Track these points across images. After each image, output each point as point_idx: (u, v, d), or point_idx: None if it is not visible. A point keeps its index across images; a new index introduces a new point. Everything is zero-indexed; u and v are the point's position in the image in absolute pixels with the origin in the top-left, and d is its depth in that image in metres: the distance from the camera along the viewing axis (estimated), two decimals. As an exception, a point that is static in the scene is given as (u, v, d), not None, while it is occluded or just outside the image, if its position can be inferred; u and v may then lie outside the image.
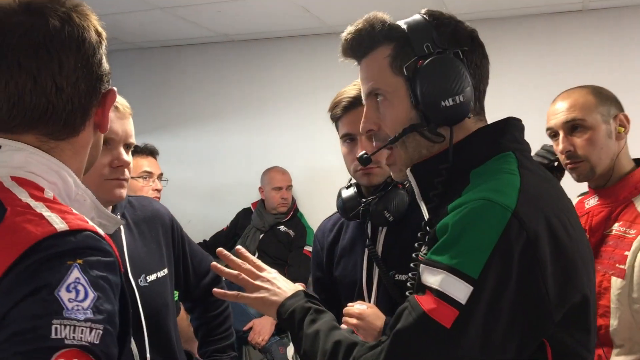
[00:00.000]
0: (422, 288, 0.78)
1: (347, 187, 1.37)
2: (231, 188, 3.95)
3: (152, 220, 1.40)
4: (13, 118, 0.72)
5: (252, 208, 3.66)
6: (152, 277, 1.33)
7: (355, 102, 1.29)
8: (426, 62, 0.84)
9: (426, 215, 0.92)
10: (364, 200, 1.31)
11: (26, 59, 0.71)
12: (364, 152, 0.97)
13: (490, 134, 0.89)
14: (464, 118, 0.86)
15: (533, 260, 0.75)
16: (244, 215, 3.63)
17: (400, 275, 1.27)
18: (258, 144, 3.91)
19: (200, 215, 3.94)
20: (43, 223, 0.63)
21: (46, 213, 0.65)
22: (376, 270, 1.31)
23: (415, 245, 0.91)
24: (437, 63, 0.84)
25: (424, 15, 0.89)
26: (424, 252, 0.84)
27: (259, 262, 1.09)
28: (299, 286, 1.09)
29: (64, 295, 0.59)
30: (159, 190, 2.43)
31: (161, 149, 2.53)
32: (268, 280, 1.05)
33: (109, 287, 0.63)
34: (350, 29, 0.91)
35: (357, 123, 1.17)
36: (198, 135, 4.06)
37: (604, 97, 1.55)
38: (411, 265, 0.90)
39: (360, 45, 0.91)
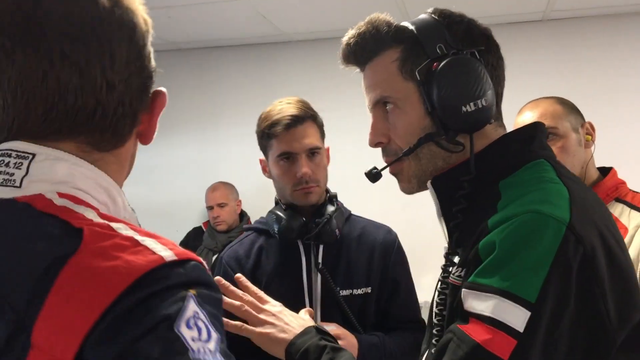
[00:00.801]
0: (465, 316, 0.73)
1: (284, 209, 1.38)
2: (180, 205, 3.83)
3: None
4: (50, 122, 0.58)
5: (203, 227, 3.56)
6: None
7: (297, 120, 1.33)
8: (442, 64, 0.80)
9: (445, 235, 0.87)
10: (304, 219, 1.35)
11: (71, 47, 0.57)
12: (373, 167, 0.91)
13: (520, 141, 0.84)
14: (486, 124, 0.81)
15: (591, 277, 0.70)
16: (195, 235, 3.53)
17: (344, 291, 1.34)
18: (209, 157, 3.84)
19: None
20: (142, 250, 0.52)
21: (139, 237, 0.54)
22: (316, 289, 1.34)
23: (441, 267, 0.86)
24: (454, 64, 0.80)
25: (433, 15, 0.86)
26: (457, 274, 0.78)
27: (262, 294, 1.06)
28: (308, 321, 1.05)
29: (185, 332, 0.49)
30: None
31: None
32: (273, 315, 1.01)
33: (222, 328, 0.54)
34: (351, 32, 0.87)
35: (296, 141, 1.30)
36: (144, 149, 3.55)
37: (570, 106, 1.61)
38: (438, 289, 0.85)
39: (364, 49, 0.87)
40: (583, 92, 2.63)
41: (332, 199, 1.41)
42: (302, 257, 1.36)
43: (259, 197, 3.36)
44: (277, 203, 1.44)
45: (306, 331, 0.97)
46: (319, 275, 1.35)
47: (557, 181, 0.77)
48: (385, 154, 0.89)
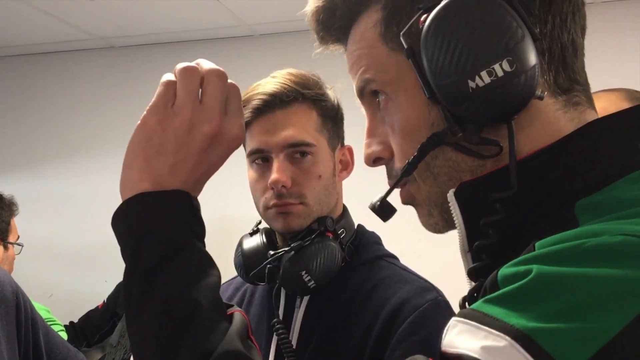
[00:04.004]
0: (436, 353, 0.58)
1: (252, 234, 1.23)
2: (110, 248, 3.36)
3: None
4: None
5: None
6: None
7: (272, 102, 1.14)
8: (432, 14, 0.61)
9: (469, 282, 0.67)
10: (271, 253, 1.15)
11: None
12: (380, 197, 0.73)
13: (617, 132, 0.63)
14: (527, 100, 0.60)
15: None
16: None
17: None
18: None
19: (66, 287, 3.55)
20: None
21: None
22: (268, 352, 1.18)
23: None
24: (450, 11, 0.61)
25: None
26: None
27: None
28: None
29: None
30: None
31: (15, 194, 2.40)
32: None
33: None
34: None
35: (268, 134, 1.13)
36: (66, 175, 3.72)
37: None
38: None
39: (335, 15, 0.72)
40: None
41: (324, 225, 1.17)
42: (280, 308, 1.19)
43: (213, 236, 3.17)
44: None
45: None
46: (274, 336, 1.17)
47: None
48: (388, 174, 0.73)
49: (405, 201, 0.73)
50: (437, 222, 0.71)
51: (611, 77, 2.86)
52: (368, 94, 0.72)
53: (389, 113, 0.70)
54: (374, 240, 1.24)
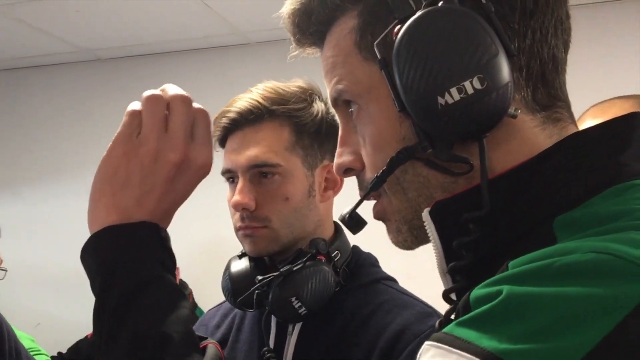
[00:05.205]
0: None
1: (240, 256, 1.21)
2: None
3: None
4: None
5: None
6: None
7: (239, 120, 1.15)
8: (405, 26, 0.62)
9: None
10: (259, 278, 1.13)
11: None
12: (350, 209, 0.78)
13: (597, 145, 0.65)
14: (499, 117, 0.62)
15: None
16: None
17: None
18: None
19: (54, 315, 3.56)
20: None
21: None
22: None
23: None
24: (422, 24, 0.62)
25: None
26: None
27: None
28: None
29: None
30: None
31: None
32: None
33: None
34: None
35: (238, 152, 1.15)
36: (54, 196, 3.70)
37: None
38: None
39: (309, 19, 0.74)
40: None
41: (315, 247, 1.17)
42: (271, 336, 1.18)
43: (203, 261, 3.24)
44: None
45: None
46: None
47: None
48: (359, 186, 0.76)
49: (377, 216, 0.75)
50: (406, 238, 0.72)
51: (602, 81, 2.82)
52: (341, 103, 0.73)
53: (361, 123, 0.72)
54: (371, 262, 1.23)
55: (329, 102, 0.76)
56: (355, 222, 0.77)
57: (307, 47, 0.78)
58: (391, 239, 0.76)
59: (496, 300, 0.52)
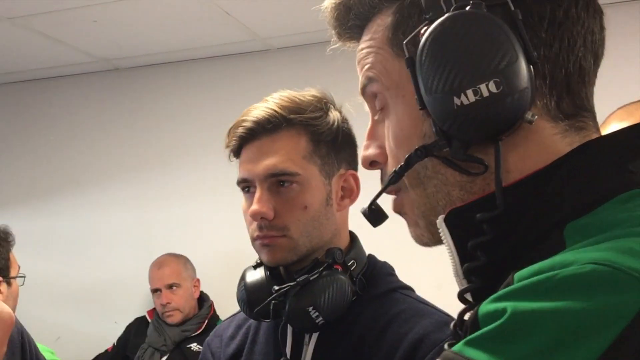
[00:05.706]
0: None
1: (255, 266, 1.23)
2: (118, 288, 3.51)
3: None
4: None
5: (148, 317, 3.23)
6: None
7: (256, 129, 1.17)
8: (430, 27, 0.66)
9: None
10: (276, 288, 1.15)
11: None
12: (370, 201, 0.79)
13: (609, 154, 0.68)
14: (514, 123, 0.65)
15: None
16: (138, 329, 3.23)
17: None
18: (154, 221, 3.54)
19: (74, 329, 3.56)
20: None
21: None
22: None
23: None
24: (446, 27, 0.66)
25: None
26: None
27: None
28: None
29: None
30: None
31: (14, 231, 2.35)
32: None
33: None
34: None
35: (255, 162, 1.17)
36: (67, 211, 3.71)
37: None
38: None
39: (349, 14, 0.79)
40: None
41: (332, 257, 1.18)
42: (287, 346, 1.20)
43: (225, 272, 3.11)
44: None
45: None
46: None
47: None
48: (381, 179, 0.79)
49: (396, 209, 0.78)
50: (423, 233, 0.75)
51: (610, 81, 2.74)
52: (369, 95, 0.77)
53: (386, 117, 0.75)
54: (387, 271, 1.25)
55: (358, 93, 0.79)
56: (375, 214, 0.79)
57: (346, 40, 0.82)
58: (410, 234, 0.79)
59: (502, 320, 0.55)
